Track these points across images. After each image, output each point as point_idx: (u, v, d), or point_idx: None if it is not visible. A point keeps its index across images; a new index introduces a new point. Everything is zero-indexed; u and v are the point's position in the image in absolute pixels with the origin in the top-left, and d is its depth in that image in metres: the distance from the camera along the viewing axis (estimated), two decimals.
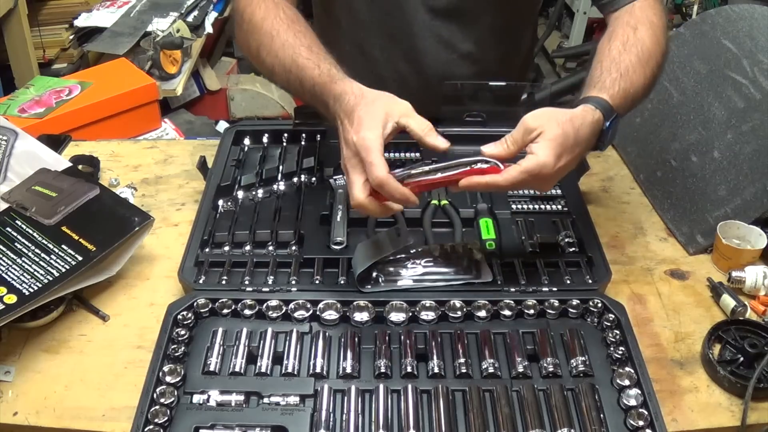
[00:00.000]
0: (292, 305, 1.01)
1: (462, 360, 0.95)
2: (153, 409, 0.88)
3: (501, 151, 0.95)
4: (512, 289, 1.05)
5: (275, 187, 1.24)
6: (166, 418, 0.87)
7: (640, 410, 0.89)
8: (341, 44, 1.38)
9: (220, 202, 1.20)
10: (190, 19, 2.93)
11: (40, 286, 0.99)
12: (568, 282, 1.07)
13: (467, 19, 1.29)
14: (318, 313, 1.01)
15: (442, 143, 0.95)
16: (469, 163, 0.95)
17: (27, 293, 0.98)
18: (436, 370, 0.94)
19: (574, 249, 1.13)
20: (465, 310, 1.01)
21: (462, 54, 1.33)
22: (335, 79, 1.01)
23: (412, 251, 1.09)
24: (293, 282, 1.06)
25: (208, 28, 3.00)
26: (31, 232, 1.08)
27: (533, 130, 0.94)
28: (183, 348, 0.96)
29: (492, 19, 1.30)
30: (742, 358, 0.99)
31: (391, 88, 1.37)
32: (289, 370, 0.94)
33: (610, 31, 1.11)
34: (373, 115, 0.95)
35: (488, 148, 0.95)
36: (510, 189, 0.98)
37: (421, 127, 0.95)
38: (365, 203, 0.93)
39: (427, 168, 0.96)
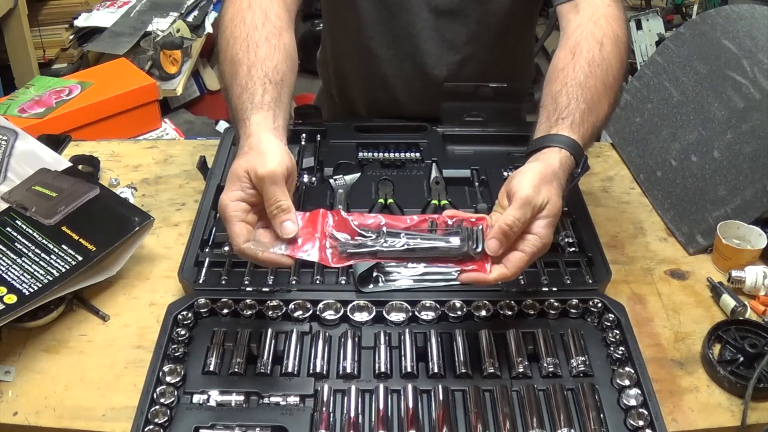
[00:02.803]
0: (292, 305, 1.01)
1: (462, 360, 0.95)
2: (153, 409, 0.88)
3: (504, 242, 0.84)
4: (512, 289, 1.05)
5: None
6: (166, 418, 0.87)
7: (640, 410, 0.89)
8: (348, 44, 1.38)
9: None
10: (190, 19, 2.93)
11: (40, 286, 0.99)
12: (568, 282, 1.07)
13: (470, 19, 1.29)
14: (318, 313, 1.01)
15: (287, 231, 0.84)
16: (454, 255, 0.85)
17: (27, 293, 0.98)
18: (436, 370, 0.94)
19: (574, 249, 1.13)
20: (465, 310, 1.01)
21: (465, 54, 1.33)
22: (244, 121, 0.92)
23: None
24: (293, 282, 1.06)
25: (208, 28, 3.00)
26: (31, 232, 1.08)
27: (541, 207, 0.85)
28: (183, 348, 0.96)
29: (494, 19, 1.30)
30: (742, 358, 0.99)
31: (396, 88, 1.38)
32: (289, 370, 0.94)
33: (574, 42, 1.01)
34: (234, 174, 0.86)
35: (494, 246, 0.84)
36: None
37: (275, 204, 0.84)
38: (244, 251, 0.84)
39: (398, 246, 0.84)
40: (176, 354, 0.95)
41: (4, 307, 0.95)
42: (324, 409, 0.89)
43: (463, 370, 0.94)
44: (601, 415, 0.89)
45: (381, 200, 1.20)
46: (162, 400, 0.89)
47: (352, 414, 0.89)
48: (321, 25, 1.50)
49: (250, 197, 0.85)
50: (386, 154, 1.31)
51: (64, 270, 1.01)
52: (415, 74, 1.36)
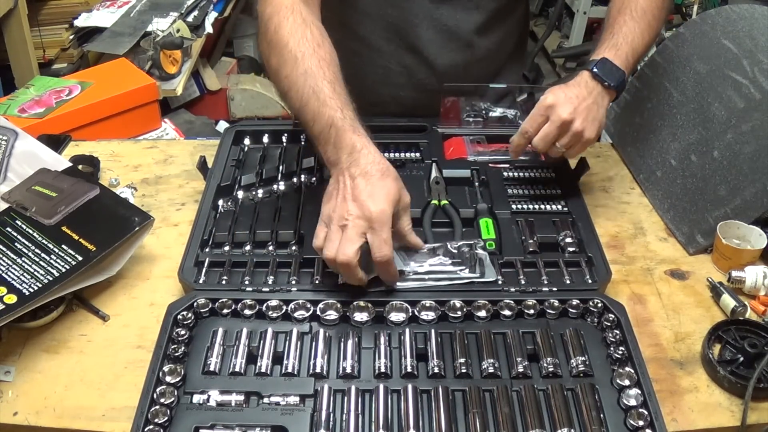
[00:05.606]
0: (292, 305, 1.01)
1: (462, 360, 0.95)
2: (153, 409, 0.88)
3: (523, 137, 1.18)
4: (512, 289, 1.05)
5: (275, 187, 1.24)
6: (166, 418, 0.87)
7: (640, 410, 0.89)
8: (347, 39, 1.38)
9: (220, 202, 1.20)
10: (190, 19, 2.93)
11: (40, 286, 0.99)
12: (568, 282, 1.07)
13: (471, 4, 1.31)
14: (318, 313, 1.01)
15: (420, 243, 1.08)
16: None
17: (27, 293, 0.98)
18: (436, 370, 0.94)
19: (574, 249, 1.13)
20: (465, 310, 1.01)
21: (464, 41, 1.35)
22: (357, 131, 1.03)
23: (412, 251, 1.08)
24: (293, 282, 1.06)
25: (208, 28, 2.99)
26: (31, 232, 1.08)
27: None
28: (183, 348, 0.96)
29: (494, 5, 1.32)
30: (742, 358, 0.99)
31: (398, 81, 1.38)
32: (289, 370, 0.94)
33: (620, 1, 1.24)
34: (388, 192, 0.99)
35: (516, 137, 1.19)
36: (535, 131, 1.15)
37: (408, 227, 1.06)
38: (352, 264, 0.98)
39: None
40: (176, 354, 0.95)
41: (4, 307, 0.95)
42: (324, 409, 0.89)
43: (463, 370, 0.94)
44: (601, 415, 0.89)
45: None
46: (162, 400, 0.89)
47: (352, 414, 0.89)
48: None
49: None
50: (386, 154, 1.29)
51: (64, 270, 1.01)
52: (415, 65, 1.36)
